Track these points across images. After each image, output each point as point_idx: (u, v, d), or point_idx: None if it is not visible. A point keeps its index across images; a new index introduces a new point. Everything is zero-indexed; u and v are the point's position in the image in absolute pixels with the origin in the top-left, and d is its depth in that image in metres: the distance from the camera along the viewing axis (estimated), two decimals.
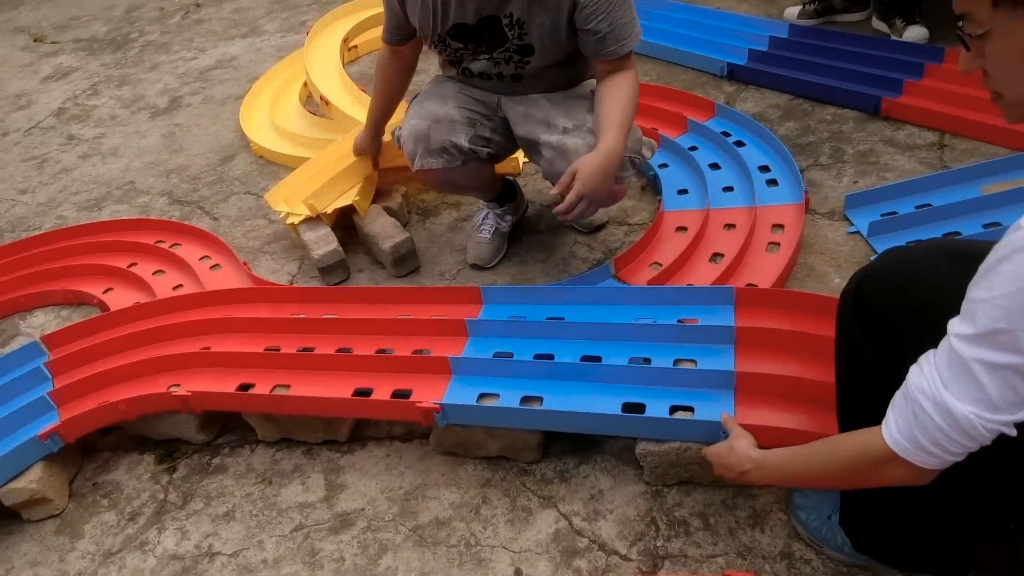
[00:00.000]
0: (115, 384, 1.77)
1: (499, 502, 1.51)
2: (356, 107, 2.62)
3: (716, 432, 1.35)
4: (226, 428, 1.80)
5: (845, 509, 1.24)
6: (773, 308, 1.61)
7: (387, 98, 2.04)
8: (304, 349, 1.78)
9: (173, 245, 2.38)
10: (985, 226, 1.82)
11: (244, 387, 1.70)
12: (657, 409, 1.43)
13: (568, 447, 1.58)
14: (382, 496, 1.57)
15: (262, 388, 1.68)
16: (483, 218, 2.12)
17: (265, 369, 1.73)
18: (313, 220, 2.23)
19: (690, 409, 1.43)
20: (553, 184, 1.79)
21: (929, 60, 2.38)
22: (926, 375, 0.88)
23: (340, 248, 2.15)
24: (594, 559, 1.37)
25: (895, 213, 1.92)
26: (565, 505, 1.47)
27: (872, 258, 1.26)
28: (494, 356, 1.63)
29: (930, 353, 0.89)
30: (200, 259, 2.31)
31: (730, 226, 2.02)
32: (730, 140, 2.28)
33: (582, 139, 1.70)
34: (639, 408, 1.44)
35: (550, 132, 1.74)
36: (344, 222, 2.29)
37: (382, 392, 1.60)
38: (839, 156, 2.22)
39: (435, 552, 1.44)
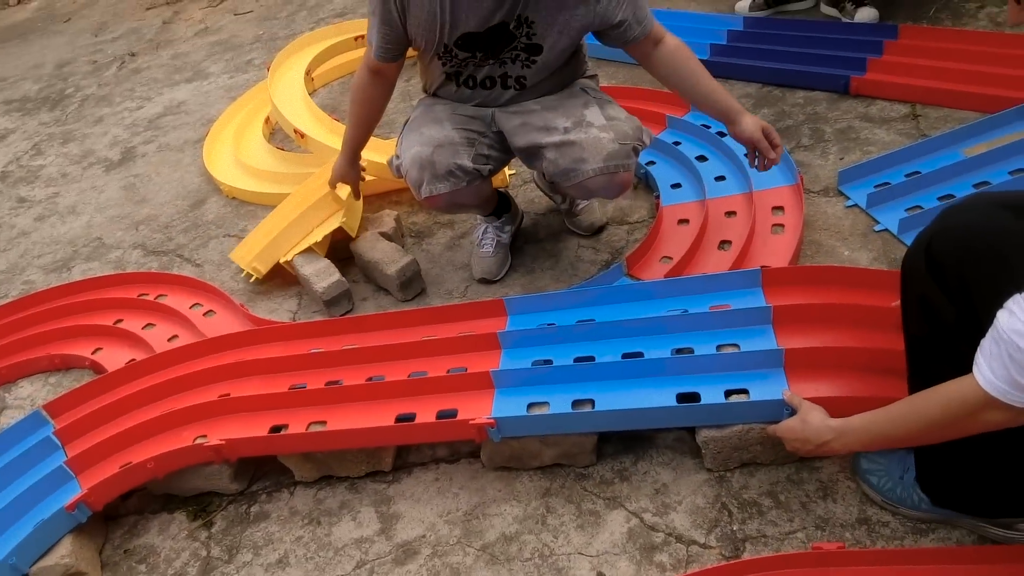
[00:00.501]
0: (135, 444, 1.68)
1: (564, 509, 1.48)
2: (332, 137, 2.58)
3: (779, 410, 1.37)
4: (258, 475, 1.72)
5: (921, 466, 1.27)
6: (800, 285, 1.64)
7: (366, 122, 1.96)
8: (332, 383, 1.72)
9: (159, 296, 2.29)
10: (975, 186, 1.91)
11: (276, 428, 1.64)
12: (712, 395, 1.44)
13: (620, 446, 1.57)
14: (441, 520, 1.52)
15: (297, 427, 1.62)
16: (483, 233, 2.11)
17: (295, 408, 1.67)
18: (308, 253, 2.18)
19: (744, 392, 1.44)
20: (557, 185, 1.81)
21: (886, 38, 2.49)
22: (1019, 316, 0.90)
23: (343, 278, 2.11)
24: (674, 551, 1.36)
25: (888, 183, 1.99)
26: (632, 503, 1.46)
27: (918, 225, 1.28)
28: (533, 365, 1.62)
29: (1018, 297, 0.92)
30: (191, 307, 2.23)
31: (731, 213, 2.06)
32: (711, 131, 2.33)
33: (584, 133, 1.71)
34: (694, 397, 1.45)
35: (551, 135, 1.75)
36: (339, 252, 2.25)
37: (426, 415, 1.56)
38: (820, 136, 2.30)
39: (511, 568, 1.40)
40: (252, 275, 2.27)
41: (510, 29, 1.64)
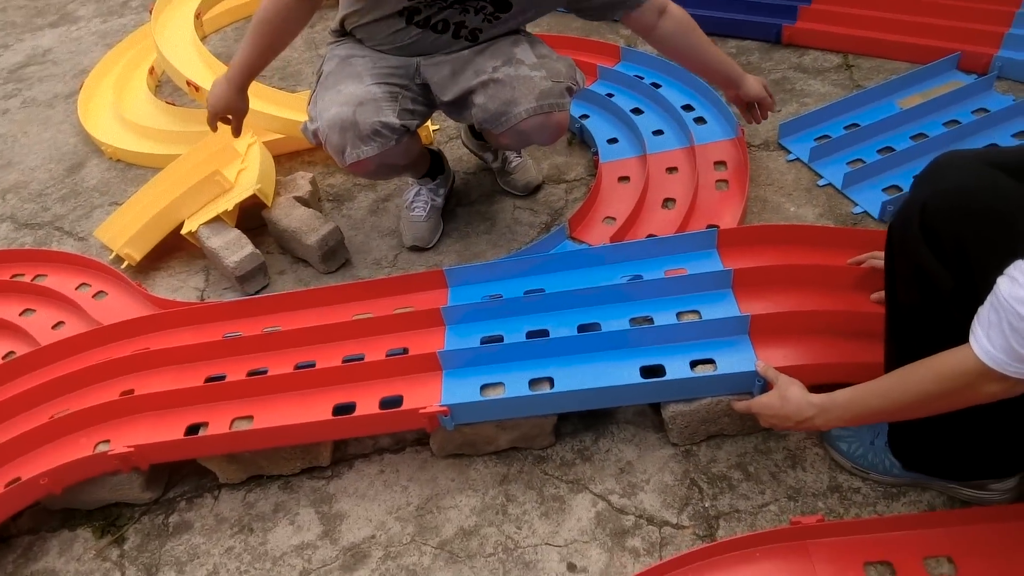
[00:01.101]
0: (23, 456, 1.46)
1: (525, 497, 1.38)
2: None
3: (750, 381, 1.30)
4: (174, 480, 1.53)
5: (893, 431, 1.23)
6: (756, 245, 1.58)
7: (272, 47, 1.61)
8: (255, 372, 1.54)
9: (36, 277, 2.00)
10: (912, 138, 1.90)
11: (194, 428, 1.45)
12: (677, 368, 1.36)
13: (579, 424, 1.48)
14: (391, 517, 1.39)
15: (219, 426, 1.43)
16: (415, 195, 1.94)
17: (214, 403, 1.48)
18: (216, 223, 1.95)
19: (710, 362, 1.37)
20: (489, 134, 1.67)
21: None
22: (1021, 282, 0.85)
23: (257, 251, 1.89)
24: (647, 534, 1.29)
25: (828, 136, 1.95)
26: (597, 485, 1.38)
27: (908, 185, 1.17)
28: (482, 342, 1.49)
29: (1020, 263, 0.87)
30: (77, 288, 1.96)
31: (672, 169, 1.97)
32: (646, 83, 2.23)
33: (515, 70, 1.57)
34: (659, 370, 1.37)
35: (479, 76, 1.59)
36: (249, 221, 2.02)
37: (367, 405, 1.41)
38: None
39: (473, 566, 1.29)
40: (124, 261, 2.02)
41: None
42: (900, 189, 1.77)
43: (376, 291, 1.65)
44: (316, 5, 1.59)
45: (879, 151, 1.88)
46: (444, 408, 1.33)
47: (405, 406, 1.38)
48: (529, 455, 1.45)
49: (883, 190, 1.79)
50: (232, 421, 1.44)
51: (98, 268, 1.99)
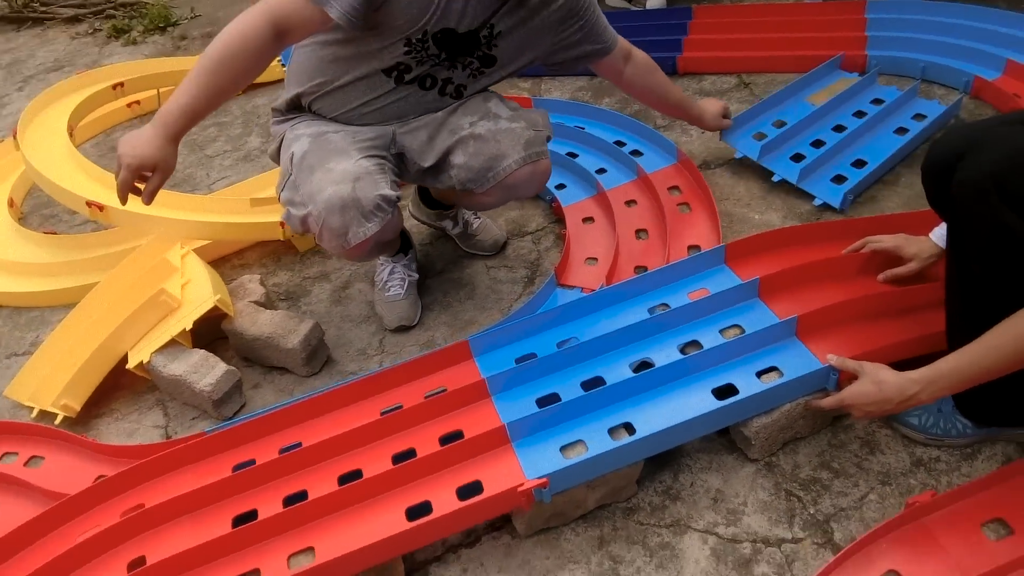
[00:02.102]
0: None
1: (631, 554, 1.30)
2: (132, 202, 2.06)
3: (824, 377, 1.33)
4: None
5: (959, 394, 1.30)
6: (761, 253, 1.64)
7: (226, 91, 1.36)
8: (293, 498, 1.35)
9: None
10: (834, 129, 2.06)
11: None
12: (747, 384, 1.36)
13: (651, 465, 1.42)
14: None
15: (274, 570, 1.23)
16: (389, 274, 1.83)
17: (257, 545, 1.28)
18: (170, 348, 1.72)
19: (773, 370, 1.38)
20: (466, 196, 1.64)
21: (685, 19, 2.65)
22: None
23: (232, 367, 1.69)
24: (770, 557, 1.26)
25: (765, 135, 2.07)
26: (698, 521, 1.33)
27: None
28: (539, 404, 1.41)
29: None
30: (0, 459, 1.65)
31: (631, 202, 2.02)
32: (570, 127, 2.27)
33: (494, 124, 1.56)
34: (729, 390, 1.36)
35: (456, 133, 1.57)
36: (200, 339, 1.80)
37: (444, 500, 1.28)
38: None
39: None
40: (59, 414, 1.72)
41: (480, 36, 1.47)
42: (845, 178, 1.92)
43: (400, 377, 1.52)
44: (282, 49, 1.41)
45: (812, 144, 2.03)
46: (542, 480, 1.24)
47: (489, 491, 1.27)
48: (616, 510, 1.37)
49: (832, 180, 1.93)
50: (289, 559, 1.25)
51: (18, 431, 1.68)
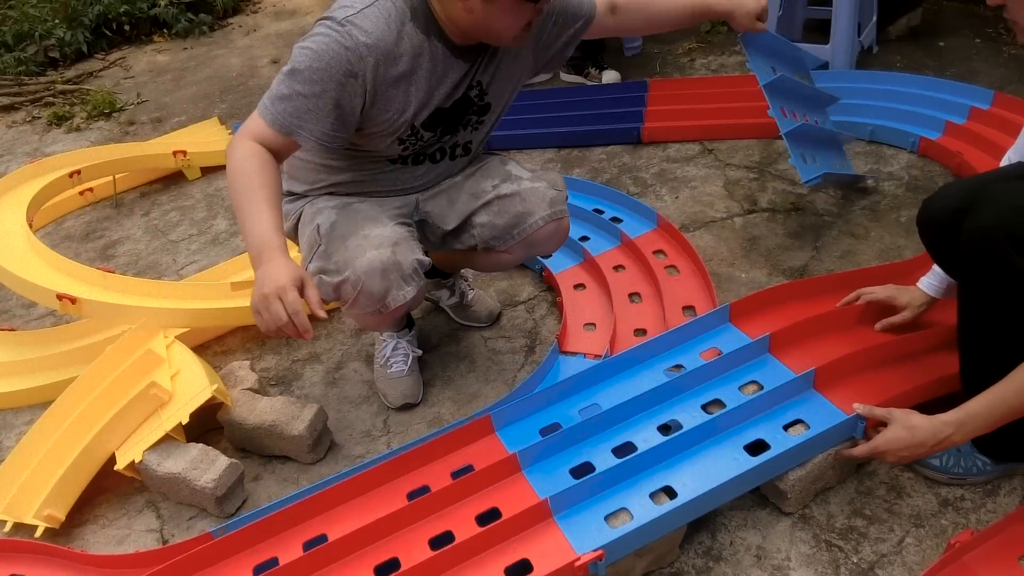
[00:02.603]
0: None
1: None
2: (110, 294, 1.97)
3: (852, 425, 1.36)
4: None
5: None
6: (764, 309, 1.69)
7: (276, 193, 1.36)
8: None
9: None
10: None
11: None
12: (777, 438, 1.38)
13: (688, 529, 1.41)
14: None
15: None
16: (392, 350, 1.79)
17: None
18: (163, 444, 1.62)
19: (799, 423, 1.41)
20: (492, 248, 1.65)
21: (641, 92, 2.78)
22: None
23: (235, 460, 1.60)
24: None
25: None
26: None
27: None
28: (573, 475, 1.39)
29: None
30: None
31: (619, 267, 2.06)
32: None
33: (517, 185, 1.62)
34: (762, 445, 1.38)
35: (480, 197, 1.62)
36: (190, 431, 1.70)
37: None
38: (643, 183, 2.44)
39: None
40: (40, 526, 1.56)
41: (469, 96, 1.49)
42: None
43: (424, 457, 1.47)
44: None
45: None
46: (598, 552, 1.21)
47: (541, 570, 1.22)
48: None
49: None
50: None
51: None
